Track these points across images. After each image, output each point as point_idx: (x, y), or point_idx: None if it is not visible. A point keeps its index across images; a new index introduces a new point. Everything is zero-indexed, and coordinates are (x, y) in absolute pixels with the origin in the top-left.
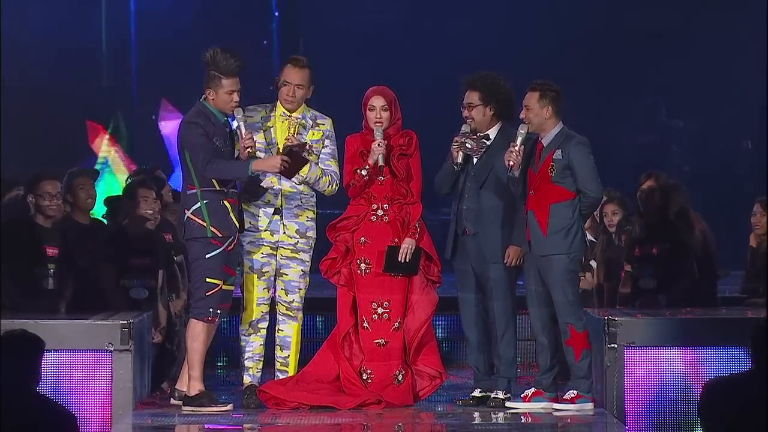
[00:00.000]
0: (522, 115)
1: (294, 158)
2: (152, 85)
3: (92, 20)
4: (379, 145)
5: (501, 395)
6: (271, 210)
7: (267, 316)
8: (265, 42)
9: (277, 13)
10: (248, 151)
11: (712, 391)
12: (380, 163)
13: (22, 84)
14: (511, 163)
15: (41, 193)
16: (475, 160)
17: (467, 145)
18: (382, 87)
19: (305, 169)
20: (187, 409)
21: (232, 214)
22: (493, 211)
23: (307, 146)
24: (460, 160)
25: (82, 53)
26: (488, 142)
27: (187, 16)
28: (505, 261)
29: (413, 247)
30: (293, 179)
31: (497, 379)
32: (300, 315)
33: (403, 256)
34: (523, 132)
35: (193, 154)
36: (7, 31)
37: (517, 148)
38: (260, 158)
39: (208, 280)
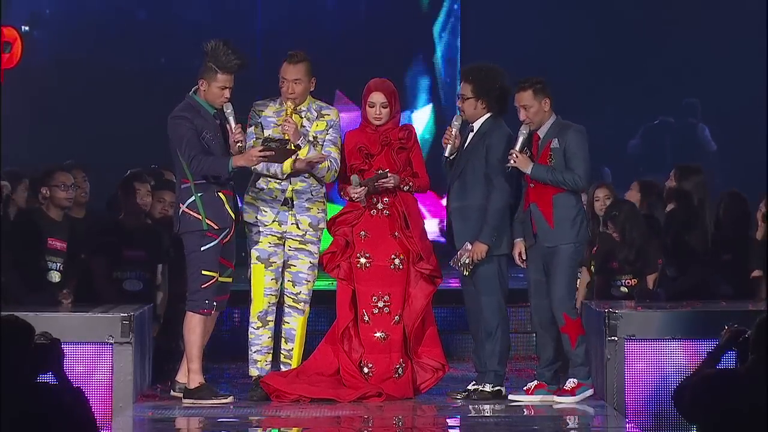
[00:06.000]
0: (522, 117)
1: (275, 151)
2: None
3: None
4: (358, 197)
5: (488, 388)
6: (277, 206)
7: (275, 308)
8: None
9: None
10: (239, 146)
11: (705, 388)
12: (363, 204)
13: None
14: (512, 165)
15: (57, 184)
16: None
17: (456, 142)
18: (382, 81)
19: (304, 151)
20: (187, 401)
21: (227, 206)
22: (471, 206)
23: (293, 140)
24: (447, 153)
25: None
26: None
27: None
28: (467, 258)
29: (395, 182)
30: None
31: (486, 372)
32: (307, 308)
33: (382, 181)
34: (525, 132)
35: (179, 149)
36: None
37: (517, 149)
38: (238, 155)
39: (203, 272)
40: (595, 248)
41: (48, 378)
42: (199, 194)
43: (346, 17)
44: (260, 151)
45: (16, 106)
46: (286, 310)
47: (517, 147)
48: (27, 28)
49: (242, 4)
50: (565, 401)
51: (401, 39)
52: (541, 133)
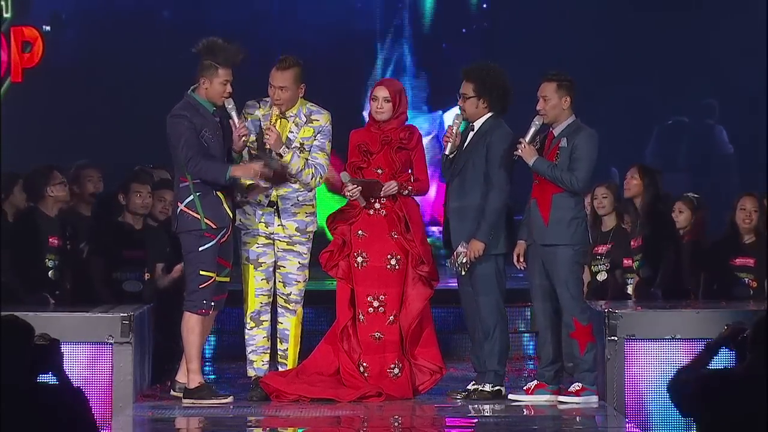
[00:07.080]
0: (539, 107)
1: (275, 172)
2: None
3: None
4: (352, 195)
5: (488, 388)
6: (261, 209)
7: (268, 308)
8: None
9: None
10: (243, 140)
11: (703, 388)
12: (362, 204)
13: None
14: (518, 154)
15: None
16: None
17: (457, 140)
18: (389, 79)
19: (287, 157)
20: (187, 401)
21: (225, 205)
22: (469, 206)
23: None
24: (447, 151)
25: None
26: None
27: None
28: (464, 257)
29: (393, 189)
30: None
31: (485, 372)
32: (299, 308)
33: (382, 190)
34: (538, 123)
35: (178, 148)
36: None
37: (527, 139)
38: (238, 165)
39: (201, 272)
40: (611, 245)
41: (48, 378)
42: (197, 193)
43: (376, 17)
44: (261, 167)
45: (36, 105)
46: (279, 310)
47: (527, 138)
48: (48, 27)
49: (269, 4)
50: (568, 401)
51: (432, 39)
52: (556, 131)
